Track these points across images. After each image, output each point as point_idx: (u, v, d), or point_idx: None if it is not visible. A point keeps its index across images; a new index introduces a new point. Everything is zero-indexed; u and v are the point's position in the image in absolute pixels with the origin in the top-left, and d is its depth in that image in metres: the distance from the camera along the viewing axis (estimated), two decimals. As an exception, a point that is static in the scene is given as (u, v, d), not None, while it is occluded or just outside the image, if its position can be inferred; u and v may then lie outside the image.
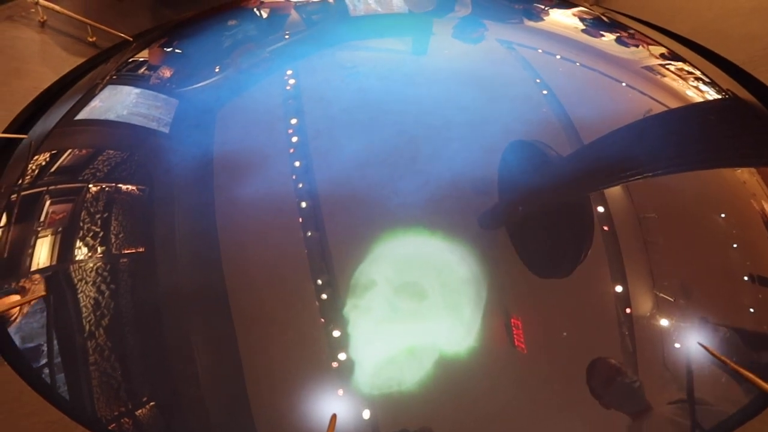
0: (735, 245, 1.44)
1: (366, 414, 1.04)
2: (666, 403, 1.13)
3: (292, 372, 1.10)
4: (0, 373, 1.14)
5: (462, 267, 1.26)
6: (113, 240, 1.38)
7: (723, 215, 1.50)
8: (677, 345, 1.21)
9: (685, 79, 1.85)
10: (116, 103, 1.82)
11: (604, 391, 1.14)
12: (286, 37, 2.03)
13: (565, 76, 1.81)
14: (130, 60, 2.05)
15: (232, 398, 1.10)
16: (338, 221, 1.26)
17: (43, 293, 1.25)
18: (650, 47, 1.95)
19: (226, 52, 2.04)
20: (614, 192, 1.50)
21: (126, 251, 1.38)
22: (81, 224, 1.42)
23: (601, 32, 2.03)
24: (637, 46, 1.94)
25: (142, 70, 2.03)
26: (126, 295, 1.29)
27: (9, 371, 1.14)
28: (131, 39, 2.27)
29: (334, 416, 1.01)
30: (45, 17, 2.30)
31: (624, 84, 1.82)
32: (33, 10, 2.31)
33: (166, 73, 1.98)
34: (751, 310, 1.27)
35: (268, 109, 1.60)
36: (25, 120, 1.92)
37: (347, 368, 1.09)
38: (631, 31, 2.04)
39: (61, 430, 1.04)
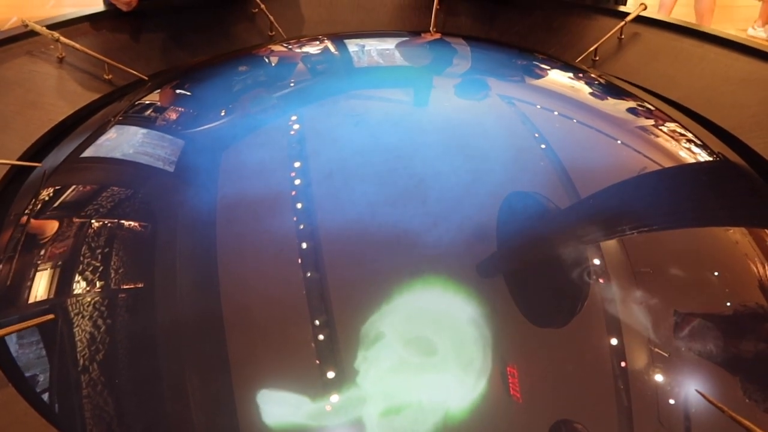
0: (728, 302, 1.48)
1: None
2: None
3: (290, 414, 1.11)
4: (3, 394, 1.13)
5: (462, 313, 1.29)
6: (117, 273, 1.40)
7: (716, 273, 1.54)
8: (673, 393, 1.23)
9: (677, 140, 1.94)
10: (125, 141, 1.87)
11: None
12: (294, 84, 2.11)
13: (563, 131, 1.89)
14: (143, 99, 2.11)
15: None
16: (348, 259, 1.30)
17: (51, 316, 1.26)
18: (645, 109, 2.05)
19: (236, 96, 2.11)
20: (610, 245, 1.55)
21: (128, 284, 1.40)
22: (85, 255, 1.44)
23: (599, 93, 2.13)
24: (634, 109, 2.04)
25: (153, 109, 2.09)
26: (128, 326, 1.30)
27: (13, 392, 1.14)
28: (147, 78, 2.35)
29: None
30: (64, 54, 2.38)
31: (619, 141, 1.90)
32: (52, 46, 2.39)
33: (176, 113, 2.04)
34: (748, 360, 1.30)
35: (276, 150, 1.65)
36: (38, 150, 1.96)
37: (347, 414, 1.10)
38: (627, 94, 2.15)
39: (64, 453, 1.03)
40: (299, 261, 1.31)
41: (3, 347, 1.27)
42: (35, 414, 1.11)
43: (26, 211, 1.62)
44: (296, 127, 1.73)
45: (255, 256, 1.36)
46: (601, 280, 1.41)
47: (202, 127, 1.89)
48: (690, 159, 1.89)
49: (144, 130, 1.88)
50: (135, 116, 2.02)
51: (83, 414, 1.13)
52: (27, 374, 1.22)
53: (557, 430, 1.14)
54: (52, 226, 1.54)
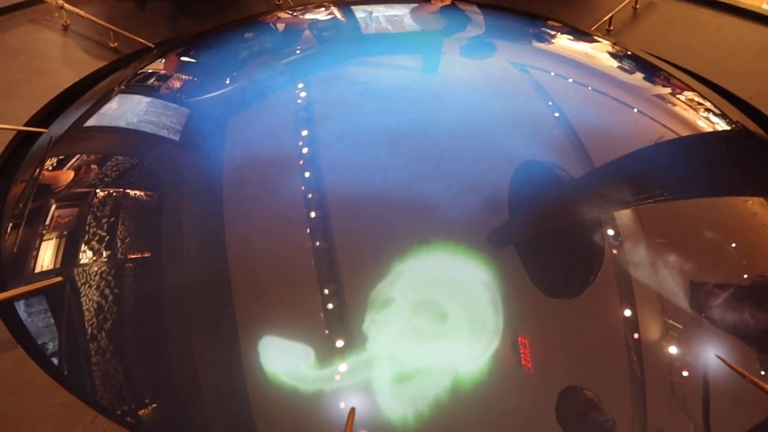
0: (746, 272, 1.45)
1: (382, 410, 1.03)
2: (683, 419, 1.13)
3: (305, 373, 1.09)
4: (13, 356, 1.12)
5: (476, 279, 1.27)
6: (125, 239, 1.38)
7: (734, 244, 1.51)
8: (691, 362, 1.21)
9: (695, 110, 1.89)
10: (128, 109, 1.84)
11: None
12: (301, 51, 2.06)
13: (578, 99, 1.84)
14: (148, 67, 2.07)
15: (244, 397, 1.09)
16: (360, 222, 1.27)
17: (60, 279, 1.25)
18: (662, 77, 2.00)
19: (242, 63, 2.06)
20: (625, 215, 1.52)
21: (136, 250, 1.38)
22: (92, 222, 1.42)
23: (614, 61, 2.08)
24: (651, 77, 1.99)
25: (158, 77, 2.05)
26: (136, 291, 1.28)
27: (22, 354, 1.13)
28: (153, 46, 2.31)
29: (352, 410, 1.00)
30: (68, 21, 2.34)
31: (636, 110, 1.86)
32: (57, 14, 2.35)
33: (181, 81, 2.00)
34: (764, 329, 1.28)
35: (287, 113, 1.62)
36: (44, 117, 1.94)
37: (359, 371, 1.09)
38: (644, 62, 2.10)
39: (74, 413, 1.02)
40: (310, 224, 1.29)
41: (12, 311, 1.26)
42: (44, 375, 1.10)
43: (33, 177, 1.60)
44: (304, 92, 1.69)
45: (266, 219, 1.33)
46: (615, 250, 1.39)
47: (210, 94, 1.86)
48: (708, 128, 1.85)
49: (151, 98, 1.85)
50: (141, 84, 1.98)
51: (91, 375, 1.12)
52: (36, 338, 1.21)
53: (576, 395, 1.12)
54: (59, 190, 1.52)
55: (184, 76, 2.00)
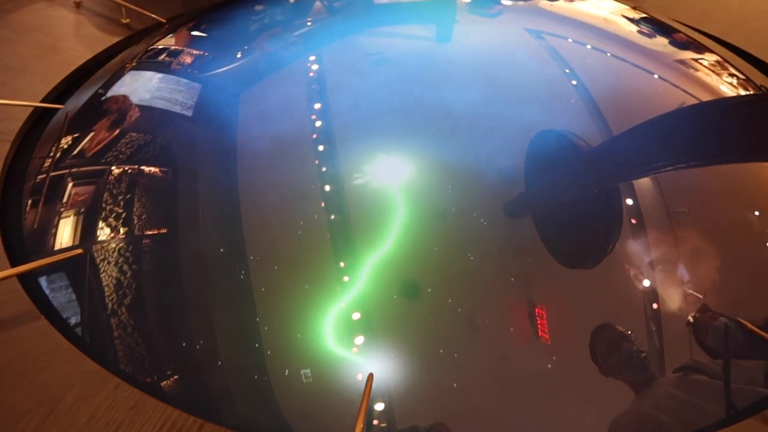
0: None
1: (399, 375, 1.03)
2: (705, 382, 1.12)
3: (321, 338, 1.10)
4: (38, 326, 1.15)
5: (488, 246, 1.26)
6: (142, 214, 1.39)
7: (757, 213, 1.48)
8: (709, 326, 1.20)
9: (719, 75, 1.84)
10: (141, 86, 1.83)
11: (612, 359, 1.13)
12: (313, 23, 2.04)
13: (597, 66, 1.80)
14: (160, 43, 2.06)
15: (263, 364, 1.10)
16: (374, 194, 1.26)
17: (79, 251, 1.26)
18: (684, 41, 1.95)
19: (253, 36, 2.05)
20: (643, 184, 1.49)
21: (153, 223, 1.39)
22: (109, 197, 1.43)
23: (634, 25, 2.03)
24: (671, 39, 1.94)
25: (169, 53, 2.05)
26: (155, 260, 1.30)
27: (46, 324, 1.15)
28: (165, 21, 2.30)
29: (371, 375, 1.01)
30: (81, -2, 2.33)
31: (657, 76, 1.82)
32: (69, -9, 2.35)
33: (193, 56, 1.99)
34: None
35: (300, 84, 1.60)
36: (60, 93, 1.95)
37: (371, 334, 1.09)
38: (664, 25, 2.04)
39: (98, 380, 1.04)
40: (325, 196, 1.28)
41: (35, 283, 1.28)
42: (68, 344, 1.12)
43: (50, 154, 1.61)
44: (317, 65, 1.67)
45: (282, 192, 1.33)
46: (633, 220, 1.37)
47: (222, 68, 1.85)
48: (732, 92, 1.80)
49: (163, 74, 1.84)
50: (153, 60, 1.98)
51: (114, 344, 1.14)
52: (59, 309, 1.23)
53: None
54: (77, 166, 1.53)
55: (196, 51, 1.99)
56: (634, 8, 2.15)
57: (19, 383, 1.04)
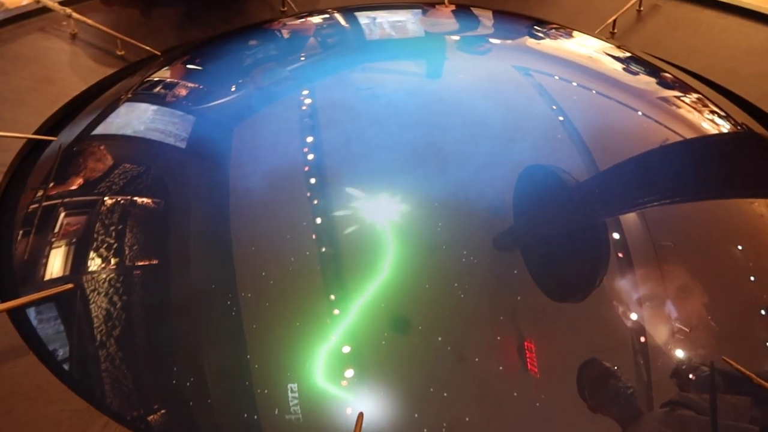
0: (754, 274, 1.45)
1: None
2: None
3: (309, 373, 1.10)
4: (26, 362, 1.14)
5: (480, 285, 1.28)
6: (133, 247, 1.40)
7: (740, 247, 1.51)
8: (696, 364, 1.22)
9: (700, 112, 1.90)
10: (135, 117, 1.85)
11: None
12: (306, 58, 2.07)
13: (583, 103, 1.85)
14: (155, 75, 2.09)
15: (252, 401, 1.10)
16: (365, 231, 1.28)
17: (69, 286, 1.26)
18: (667, 80, 2.00)
19: (248, 70, 2.08)
20: (630, 218, 1.52)
21: (144, 257, 1.39)
22: (101, 229, 1.43)
23: (617, 63, 2.09)
24: (656, 80, 1.99)
25: (164, 85, 2.07)
26: (145, 295, 1.30)
27: (35, 360, 1.14)
28: (159, 54, 2.33)
29: (361, 415, 1.01)
30: (76, 30, 2.37)
31: (640, 113, 1.86)
32: (65, 23, 2.38)
33: (188, 89, 2.02)
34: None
35: (292, 120, 1.63)
36: (53, 125, 1.96)
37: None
38: (648, 64, 2.10)
39: (86, 418, 1.03)
40: (316, 229, 1.30)
41: (24, 318, 1.28)
42: (56, 381, 1.11)
43: (43, 185, 1.62)
44: (310, 99, 1.70)
45: (274, 225, 1.34)
46: (621, 254, 1.39)
47: (216, 102, 1.87)
48: (713, 130, 1.85)
49: (157, 106, 1.86)
50: (148, 92, 2.00)
51: (102, 381, 1.14)
52: (47, 344, 1.23)
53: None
54: (69, 199, 1.54)
55: (190, 84, 2.01)
56: (618, 47, 2.21)
57: (6, 421, 1.04)
